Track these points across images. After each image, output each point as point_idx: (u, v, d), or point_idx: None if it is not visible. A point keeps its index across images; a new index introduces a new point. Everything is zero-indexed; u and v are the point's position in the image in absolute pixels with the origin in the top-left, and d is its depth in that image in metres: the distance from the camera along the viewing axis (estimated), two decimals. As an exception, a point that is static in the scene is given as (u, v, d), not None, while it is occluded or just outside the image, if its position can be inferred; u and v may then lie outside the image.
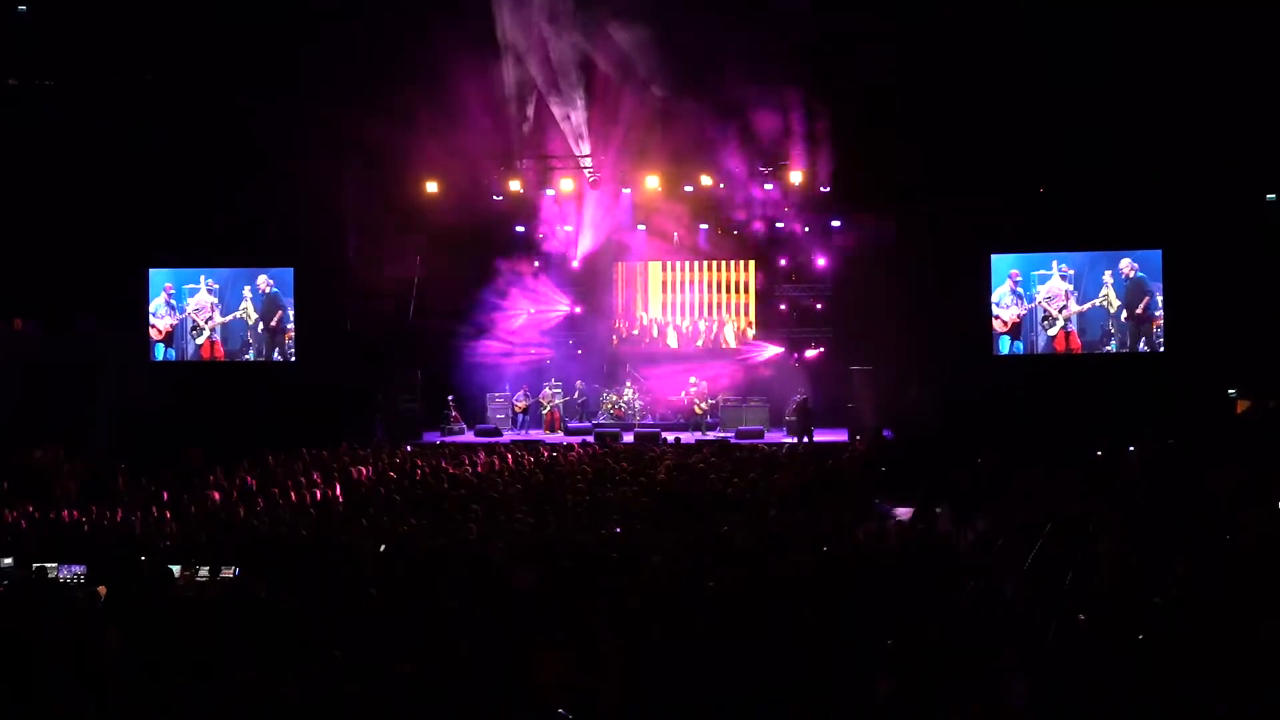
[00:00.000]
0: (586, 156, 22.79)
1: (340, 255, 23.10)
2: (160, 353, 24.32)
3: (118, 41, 20.84)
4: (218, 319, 24.22)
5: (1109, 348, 22.10)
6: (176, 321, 24.27)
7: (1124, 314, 21.93)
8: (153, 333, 24.24)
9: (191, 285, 24.31)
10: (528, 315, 25.16)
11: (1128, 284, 21.90)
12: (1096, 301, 22.12)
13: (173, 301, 24.33)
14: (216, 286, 24.20)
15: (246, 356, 24.14)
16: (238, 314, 24.16)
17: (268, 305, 23.96)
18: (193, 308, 24.27)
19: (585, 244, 24.81)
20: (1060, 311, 22.30)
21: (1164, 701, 5.97)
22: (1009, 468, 14.67)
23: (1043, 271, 22.40)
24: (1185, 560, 8.05)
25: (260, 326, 23.98)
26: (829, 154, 21.95)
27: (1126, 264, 21.91)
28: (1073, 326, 22.24)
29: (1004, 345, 22.54)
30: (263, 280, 23.92)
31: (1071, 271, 22.23)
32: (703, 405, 23.64)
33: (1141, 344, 21.85)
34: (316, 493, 14.57)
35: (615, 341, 25.37)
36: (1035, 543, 9.65)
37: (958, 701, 6.36)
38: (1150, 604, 7.38)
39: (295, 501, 14.07)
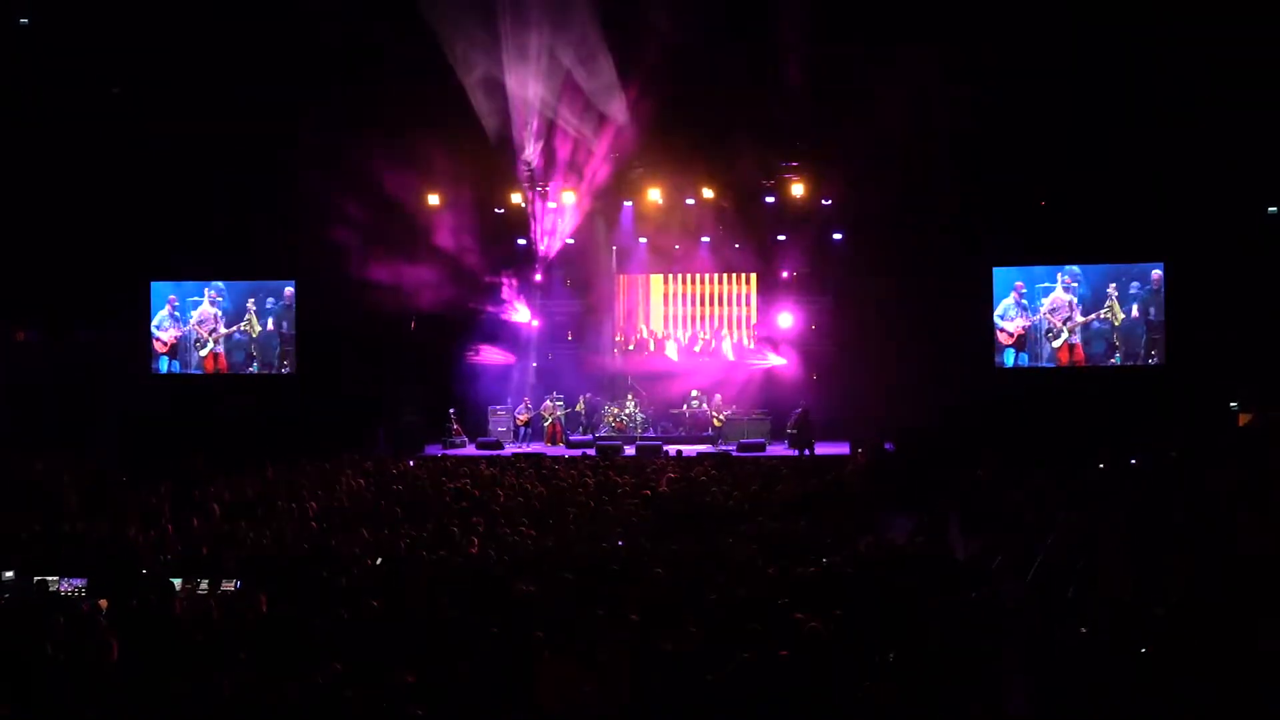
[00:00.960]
0: (589, 168, 22.86)
1: (342, 268, 23.14)
2: (164, 365, 24.37)
3: (118, 52, 20.88)
4: (221, 331, 24.28)
5: (1113, 360, 22.10)
6: (180, 334, 24.33)
7: (1138, 326, 21.90)
8: (156, 345, 24.33)
9: (195, 298, 24.39)
10: (529, 328, 25.14)
11: (1151, 294, 21.85)
12: (1101, 314, 22.12)
13: (176, 314, 24.41)
14: (220, 299, 24.28)
15: (250, 369, 24.21)
16: (241, 326, 24.22)
17: (284, 317, 24.09)
18: (196, 320, 24.33)
19: (586, 256, 24.81)
20: (1065, 324, 22.31)
21: (1164, 708, 5.95)
22: (1011, 478, 14.65)
23: (1047, 284, 22.42)
24: (1186, 570, 8.04)
25: (275, 337, 24.10)
26: (831, 167, 22.08)
27: (1157, 276, 21.86)
28: (1077, 339, 22.24)
29: (1008, 358, 22.55)
30: (288, 292, 24.07)
31: (1076, 284, 22.23)
32: (720, 417, 23.58)
33: (1152, 357, 21.82)
34: (317, 505, 14.55)
35: (616, 354, 25.35)
36: (1037, 552, 9.63)
37: (959, 708, 6.35)
38: (1151, 613, 7.37)
39: (296, 514, 14.05)
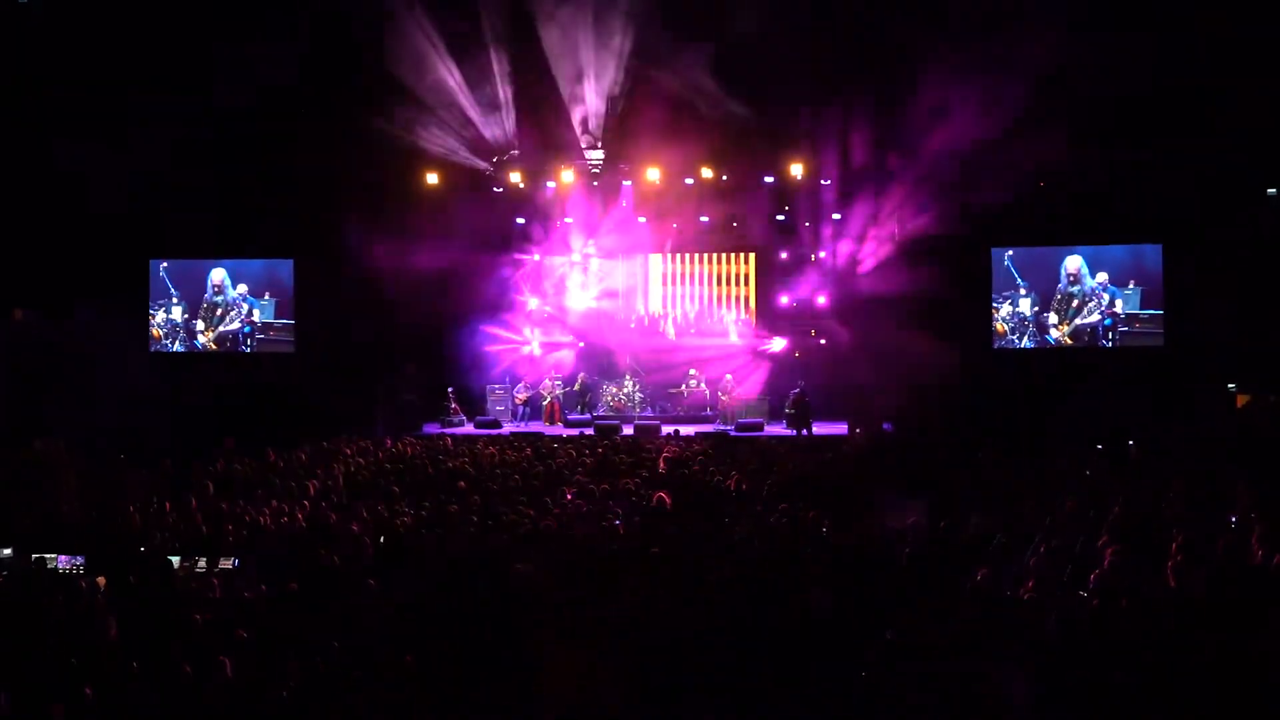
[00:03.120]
0: (589, 149, 22.79)
1: (340, 246, 23.09)
2: (162, 344, 24.36)
3: (117, 34, 20.77)
4: (220, 310, 24.26)
5: (1112, 341, 22.08)
6: (179, 313, 24.33)
7: (1137, 307, 21.89)
8: (155, 323, 24.30)
9: (194, 276, 24.37)
10: (527, 307, 25.11)
11: (1150, 276, 21.81)
12: (1100, 295, 22.09)
13: (175, 292, 24.39)
14: (219, 278, 24.25)
15: (248, 348, 24.22)
16: (240, 305, 24.19)
17: (283, 295, 24.10)
18: (194, 298, 24.31)
19: (585, 236, 24.76)
20: (1063, 304, 22.29)
21: (1165, 698, 5.96)
22: (1010, 462, 14.66)
23: (1045, 265, 22.40)
24: (1185, 555, 8.05)
25: (273, 316, 24.10)
26: (830, 147, 22.03)
27: (1157, 257, 21.82)
28: (1075, 320, 22.22)
29: (1006, 339, 22.54)
30: (287, 270, 24.07)
31: (1075, 264, 22.21)
32: (727, 396, 23.54)
33: (1151, 339, 21.81)
34: (315, 484, 14.56)
35: (615, 333, 25.29)
36: (1035, 537, 9.64)
37: (958, 697, 6.36)
38: (1151, 600, 7.38)
39: (294, 493, 14.06)
